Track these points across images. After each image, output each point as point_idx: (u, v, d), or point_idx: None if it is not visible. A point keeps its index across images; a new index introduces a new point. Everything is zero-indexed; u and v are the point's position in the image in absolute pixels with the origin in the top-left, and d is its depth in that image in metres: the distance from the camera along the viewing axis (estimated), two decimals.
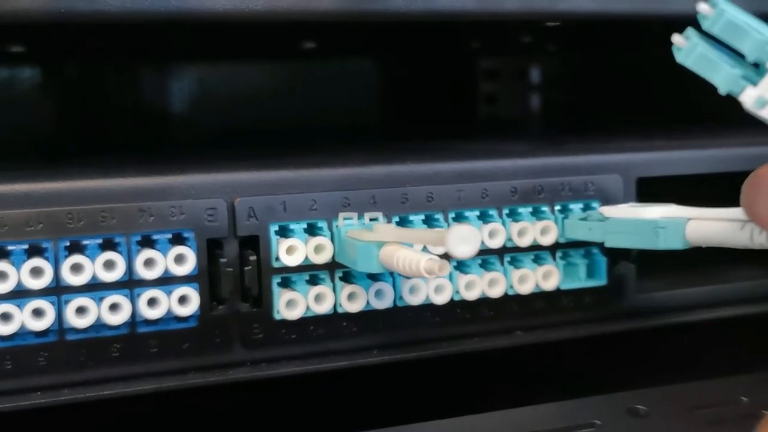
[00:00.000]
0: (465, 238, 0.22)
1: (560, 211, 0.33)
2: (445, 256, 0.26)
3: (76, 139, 0.56)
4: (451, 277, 0.31)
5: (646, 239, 0.29)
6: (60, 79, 0.58)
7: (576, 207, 0.33)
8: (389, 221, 0.31)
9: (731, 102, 0.25)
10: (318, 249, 0.29)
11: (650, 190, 0.34)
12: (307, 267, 0.30)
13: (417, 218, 0.31)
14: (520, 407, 0.27)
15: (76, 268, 0.27)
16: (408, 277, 0.30)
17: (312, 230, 0.30)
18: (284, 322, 0.30)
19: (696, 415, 0.27)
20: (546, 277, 0.33)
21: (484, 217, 0.32)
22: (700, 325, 0.33)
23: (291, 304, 0.29)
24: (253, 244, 0.29)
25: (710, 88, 0.25)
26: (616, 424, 0.26)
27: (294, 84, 0.63)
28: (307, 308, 0.30)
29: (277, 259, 0.29)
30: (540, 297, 0.33)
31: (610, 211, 0.31)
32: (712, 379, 0.29)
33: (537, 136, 0.59)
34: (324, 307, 0.30)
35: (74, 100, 0.58)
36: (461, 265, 0.32)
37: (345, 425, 0.28)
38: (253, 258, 0.29)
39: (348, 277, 0.30)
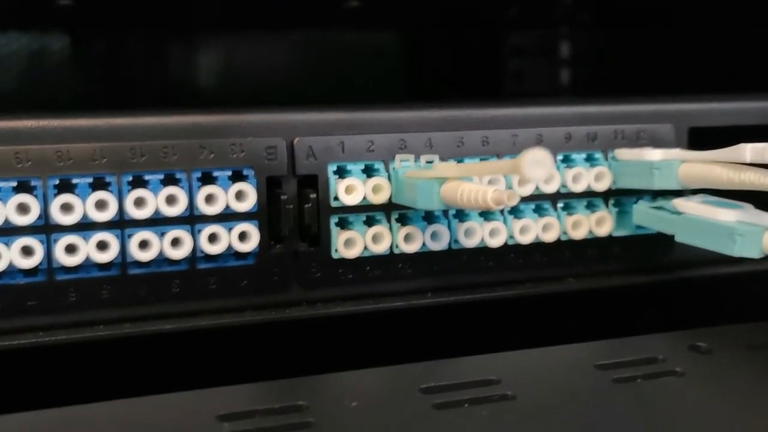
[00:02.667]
0: (539, 161, 0.22)
1: (613, 158, 0.33)
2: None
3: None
4: (506, 221, 0.31)
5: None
6: (88, 51, 0.58)
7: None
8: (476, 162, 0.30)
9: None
10: (376, 189, 0.29)
11: (702, 140, 0.34)
12: (364, 207, 0.30)
13: (472, 162, 0.31)
14: (582, 342, 0.27)
15: (139, 203, 0.27)
16: (462, 220, 0.30)
17: (369, 171, 0.30)
18: (342, 262, 0.30)
19: (758, 353, 0.27)
20: (599, 224, 0.33)
21: None
22: (753, 274, 0.33)
23: (349, 244, 0.30)
24: (312, 183, 0.29)
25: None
26: (679, 360, 0.26)
27: (323, 58, 0.63)
28: (365, 248, 0.30)
29: (336, 198, 0.29)
30: (592, 244, 0.33)
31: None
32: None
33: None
34: (381, 247, 0.30)
35: (102, 73, 0.58)
36: (515, 210, 0.32)
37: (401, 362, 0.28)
38: (313, 196, 0.29)
39: (404, 219, 0.30)
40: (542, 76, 0.68)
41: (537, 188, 0.31)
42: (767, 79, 0.48)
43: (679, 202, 0.31)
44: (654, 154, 0.31)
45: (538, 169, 0.22)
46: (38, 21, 0.53)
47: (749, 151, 0.27)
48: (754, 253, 0.28)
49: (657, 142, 0.33)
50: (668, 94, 0.36)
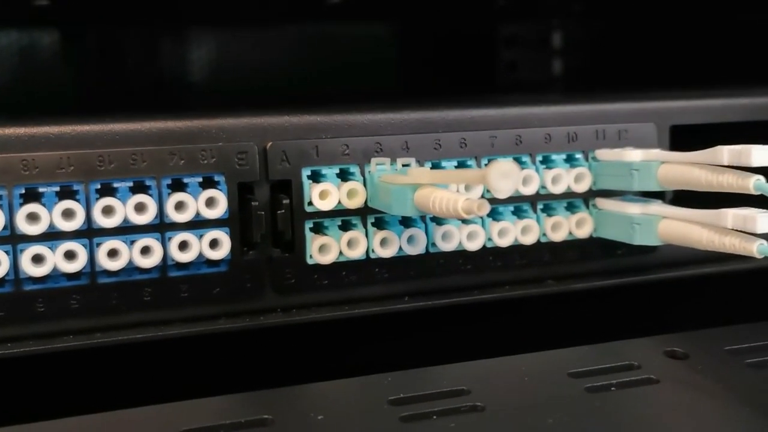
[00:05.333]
0: (506, 173, 0.22)
1: (594, 159, 0.32)
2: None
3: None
4: (484, 224, 0.31)
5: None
6: (79, 45, 0.57)
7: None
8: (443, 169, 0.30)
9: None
10: (351, 194, 0.29)
11: (685, 138, 0.33)
12: (339, 212, 0.29)
13: (449, 164, 0.31)
14: (557, 349, 0.27)
15: (108, 211, 0.27)
16: (440, 223, 0.30)
17: (344, 175, 0.29)
18: (317, 268, 0.29)
19: (736, 359, 0.26)
20: (579, 225, 0.32)
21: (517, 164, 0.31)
22: (732, 274, 0.33)
23: (324, 249, 0.29)
24: (285, 188, 0.29)
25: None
26: (655, 366, 0.26)
27: (313, 50, 0.62)
28: (340, 253, 0.29)
29: (310, 203, 0.29)
30: (572, 246, 0.33)
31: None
32: (751, 323, 0.29)
33: (567, 90, 0.58)
34: (357, 252, 0.29)
35: (93, 67, 0.57)
36: (494, 213, 0.31)
37: (374, 368, 0.28)
38: (286, 202, 0.29)
39: (380, 223, 0.30)
40: (535, 66, 0.67)
41: (516, 190, 0.31)
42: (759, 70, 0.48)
43: (600, 201, 0.32)
44: (633, 155, 0.31)
45: (505, 180, 0.22)
46: (18, 20, 0.53)
47: (726, 153, 0.27)
48: (651, 241, 0.30)
49: (639, 142, 0.33)
50: (660, 84, 0.35)
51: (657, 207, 0.30)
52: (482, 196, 0.30)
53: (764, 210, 0.27)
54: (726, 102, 0.35)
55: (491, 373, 0.26)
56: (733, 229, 0.27)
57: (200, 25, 0.59)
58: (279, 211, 0.29)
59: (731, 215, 0.27)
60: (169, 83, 0.60)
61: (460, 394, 0.24)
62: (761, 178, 0.27)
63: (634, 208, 0.31)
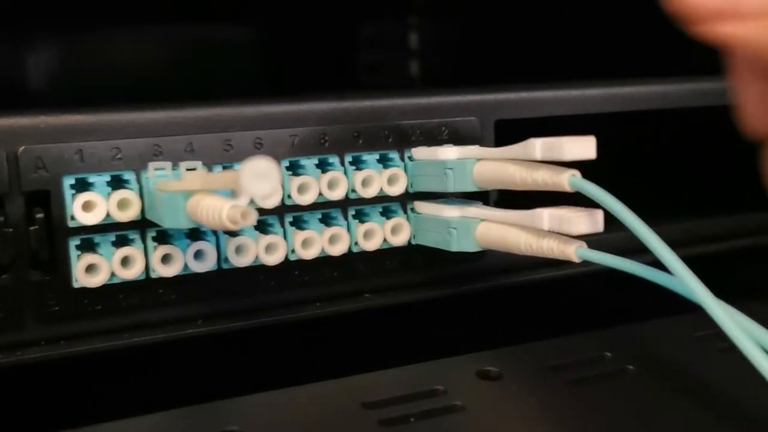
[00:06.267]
0: (261, 174, 0.19)
1: (410, 158, 0.29)
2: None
3: None
4: (286, 234, 0.27)
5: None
6: None
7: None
8: (211, 172, 0.26)
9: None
10: (122, 204, 0.25)
11: (513, 136, 0.31)
12: (112, 226, 0.25)
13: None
14: (353, 375, 0.24)
15: None
16: (234, 235, 0.26)
17: (117, 183, 0.26)
18: (85, 291, 0.25)
19: (554, 376, 0.24)
20: (396, 232, 0.29)
21: (323, 166, 0.28)
22: (554, 281, 0.30)
23: (92, 270, 0.25)
24: (44, 200, 0.25)
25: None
26: (463, 390, 0.23)
27: (174, 53, 0.58)
28: (112, 274, 0.25)
29: (73, 217, 0.25)
30: (390, 255, 0.29)
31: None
32: (570, 336, 0.26)
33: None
34: (133, 272, 0.25)
35: None
36: (298, 221, 0.28)
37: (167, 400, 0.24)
38: (40, 216, 0.24)
39: (164, 237, 0.26)
40: (396, 68, 0.65)
41: (321, 194, 0.28)
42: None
43: (418, 203, 0.29)
44: (448, 153, 0.28)
45: (261, 182, 0.19)
46: None
47: (539, 146, 0.24)
48: (470, 247, 0.27)
49: (461, 139, 0.30)
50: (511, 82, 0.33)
51: (475, 209, 0.28)
52: (283, 204, 0.27)
53: (582, 209, 0.24)
54: (556, 94, 0.32)
55: (264, 409, 0.22)
56: (550, 231, 0.25)
57: (47, 28, 0.54)
58: (32, 227, 0.24)
59: (547, 216, 0.25)
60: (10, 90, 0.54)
61: None
62: (577, 173, 0.24)
63: (451, 211, 0.28)
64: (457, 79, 0.61)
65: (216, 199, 0.22)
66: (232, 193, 0.24)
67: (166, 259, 0.26)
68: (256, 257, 0.27)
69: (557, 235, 0.25)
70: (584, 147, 0.24)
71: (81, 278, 0.25)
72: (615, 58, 0.49)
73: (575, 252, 0.24)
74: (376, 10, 0.62)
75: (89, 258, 0.25)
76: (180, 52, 0.57)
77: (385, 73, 0.64)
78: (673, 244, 0.24)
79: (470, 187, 0.27)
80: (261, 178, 0.19)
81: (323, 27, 0.60)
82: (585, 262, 0.24)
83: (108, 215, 0.25)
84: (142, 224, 0.26)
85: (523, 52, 0.56)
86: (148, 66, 0.56)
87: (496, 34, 0.59)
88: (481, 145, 0.29)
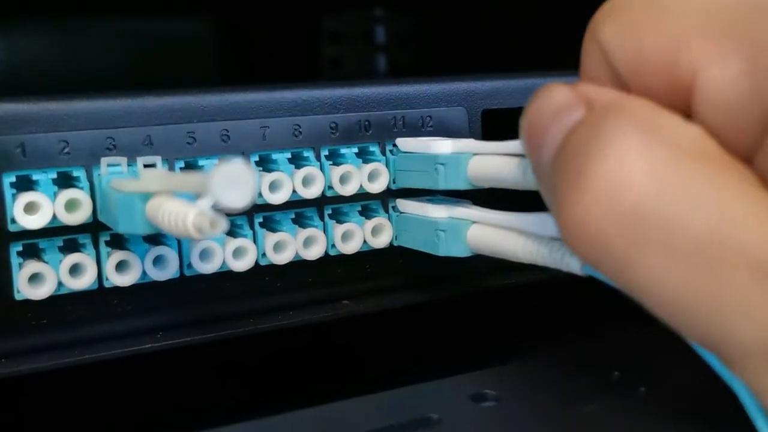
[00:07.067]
0: (234, 180, 0.16)
1: (392, 152, 0.27)
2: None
3: None
4: (256, 237, 0.25)
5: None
6: None
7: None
8: (171, 168, 0.24)
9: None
10: (70, 205, 0.22)
11: (497, 124, 0.28)
12: (59, 230, 0.23)
13: (209, 163, 0.24)
14: (334, 402, 0.21)
15: None
16: (195, 241, 0.24)
17: (65, 181, 0.23)
18: (29, 303, 0.22)
19: (556, 397, 0.21)
20: (377, 233, 0.27)
21: (296, 161, 0.25)
22: (551, 283, 0.28)
23: (36, 280, 0.22)
24: None
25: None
26: (458, 416, 0.20)
27: (131, 49, 0.54)
28: (60, 284, 0.22)
29: (14, 220, 0.22)
30: (371, 257, 0.27)
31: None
32: (572, 349, 0.24)
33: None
34: (83, 281, 0.23)
35: None
36: (269, 222, 0.25)
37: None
38: None
39: (119, 241, 0.23)
40: (361, 62, 0.62)
41: (295, 192, 0.25)
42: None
43: (401, 202, 0.27)
44: (442, 146, 0.25)
45: (233, 190, 0.16)
46: None
47: None
48: (459, 251, 0.24)
49: (447, 130, 0.28)
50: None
51: (466, 210, 0.25)
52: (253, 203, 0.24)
53: None
54: (543, 82, 0.30)
55: None
56: (556, 238, 0.22)
57: None
58: None
59: (552, 220, 0.22)
60: None
61: None
62: None
63: (439, 211, 0.25)
64: (423, 73, 0.59)
65: (179, 203, 0.19)
66: (196, 195, 0.21)
67: (121, 266, 0.23)
68: (223, 263, 0.24)
69: (561, 242, 0.22)
70: None
71: (24, 289, 0.22)
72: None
73: (580, 266, 0.22)
74: (339, 2, 0.59)
75: (33, 266, 0.22)
76: (135, 47, 0.53)
77: (349, 67, 0.61)
78: None
79: (463, 185, 0.24)
80: (234, 185, 0.16)
81: (285, 21, 0.58)
82: None
83: (54, 217, 0.22)
84: (93, 227, 0.23)
85: (491, 44, 0.54)
86: (100, 63, 0.52)
87: (462, 26, 0.56)
88: (468, 137, 0.26)
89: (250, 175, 0.16)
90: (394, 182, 0.27)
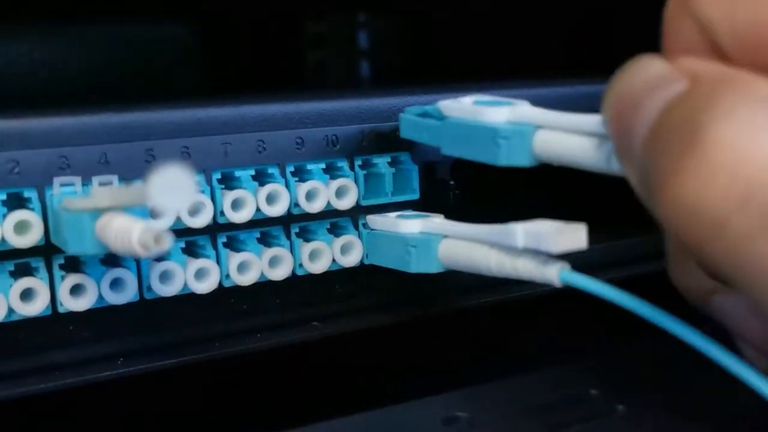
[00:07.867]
0: (171, 185, 0.15)
1: (361, 167, 0.26)
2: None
3: None
4: (219, 258, 0.24)
5: (487, 151, 0.22)
6: None
7: (381, 161, 0.26)
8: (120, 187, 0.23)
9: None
10: (20, 227, 0.21)
11: None
12: (9, 253, 0.22)
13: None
14: (299, 427, 0.20)
15: None
16: (159, 259, 0.23)
17: (15, 202, 0.22)
18: None
19: (531, 419, 0.20)
20: (346, 252, 0.26)
21: (260, 178, 0.25)
22: (528, 300, 0.27)
23: None
24: None
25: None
26: None
27: (103, 57, 0.53)
28: (11, 310, 0.21)
29: None
30: (340, 277, 0.26)
31: (451, 108, 0.24)
32: (548, 369, 0.23)
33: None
34: (36, 307, 0.22)
35: None
36: (233, 241, 0.24)
37: None
38: None
39: (74, 264, 0.22)
40: (344, 67, 0.62)
41: (259, 210, 0.24)
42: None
43: (371, 218, 0.25)
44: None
45: (171, 195, 0.15)
46: None
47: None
48: (431, 267, 0.23)
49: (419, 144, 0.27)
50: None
51: (437, 224, 0.24)
52: (215, 222, 0.23)
53: (562, 222, 0.21)
54: (529, 92, 0.29)
55: None
56: (526, 249, 0.21)
57: None
58: None
59: (521, 232, 0.21)
60: None
61: None
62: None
63: (409, 227, 0.24)
64: (408, 78, 0.59)
65: (127, 219, 0.18)
66: (151, 213, 0.20)
67: (76, 290, 0.22)
68: (185, 285, 0.23)
69: (535, 253, 0.21)
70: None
71: None
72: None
73: (557, 276, 0.21)
74: (322, 6, 0.59)
75: None
76: (116, 51, 0.53)
77: (332, 72, 0.61)
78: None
79: (528, 161, 0.22)
80: (172, 189, 0.15)
81: (268, 25, 0.57)
82: None
83: (3, 240, 0.21)
84: (46, 250, 0.22)
85: (477, 50, 0.53)
86: (83, 68, 0.51)
87: (448, 32, 0.56)
88: None
89: (189, 178, 0.15)
90: (363, 198, 0.26)
